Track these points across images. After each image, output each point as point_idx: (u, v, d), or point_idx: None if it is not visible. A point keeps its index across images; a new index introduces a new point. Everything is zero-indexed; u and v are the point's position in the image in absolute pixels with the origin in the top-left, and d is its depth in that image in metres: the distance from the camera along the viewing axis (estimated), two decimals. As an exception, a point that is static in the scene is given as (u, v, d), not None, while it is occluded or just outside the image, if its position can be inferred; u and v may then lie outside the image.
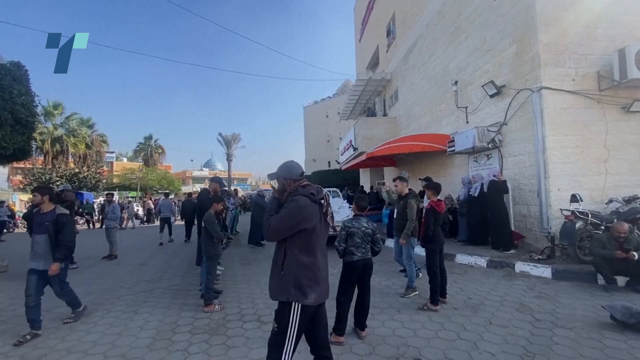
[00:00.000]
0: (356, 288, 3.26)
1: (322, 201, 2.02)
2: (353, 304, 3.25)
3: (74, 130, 28.43)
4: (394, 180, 4.89)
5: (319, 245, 2.02)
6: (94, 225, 16.70)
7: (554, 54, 5.78)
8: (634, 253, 4.12)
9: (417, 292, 4.30)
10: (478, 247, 6.62)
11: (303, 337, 2.09)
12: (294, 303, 1.91)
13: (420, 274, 5.00)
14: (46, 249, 3.44)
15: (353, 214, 3.44)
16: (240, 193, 18.46)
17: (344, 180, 22.38)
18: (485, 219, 6.60)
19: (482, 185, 6.69)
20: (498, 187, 6.13)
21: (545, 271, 4.96)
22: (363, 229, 3.18)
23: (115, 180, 35.88)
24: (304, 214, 1.93)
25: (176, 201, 18.96)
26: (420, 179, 6.54)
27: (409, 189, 4.78)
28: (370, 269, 3.24)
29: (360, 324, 3.19)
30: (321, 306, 2.08)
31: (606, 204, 5.61)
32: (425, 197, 6.02)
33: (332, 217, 2.13)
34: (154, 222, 18.31)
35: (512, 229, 6.25)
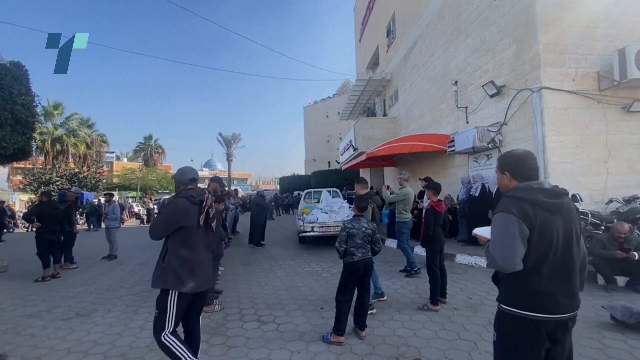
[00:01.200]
0: (357, 289, 3.26)
1: (202, 203, 2.31)
2: (353, 304, 3.25)
3: (74, 130, 28.42)
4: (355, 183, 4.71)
5: (198, 241, 2.31)
6: (94, 225, 16.69)
7: (554, 54, 5.78)
8: (634, 253, 4.13)
9: (385, 298, 4.05)
10: (478, 247, 6.62)
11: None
12: (171, 291, 2.20)
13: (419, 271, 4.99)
14: None
15: (353, 214, 3.42)
16: (240, 193, 18.49)
17: (344, 180, 22.37)
18: (486, 218, 6.59)
19: (483, 185, 6.69)
20: None
21: (545, 271, 4.95)
22: (363, 229, 3.18)
23: (115, 180, 35.85)
24: (179, 214, 2.25)
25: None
26: (420, 179, 6.55)
27: (368, 190, 4.54)
28: (370, 269, 3.24)
29: (360, 324, 3.19)
30: (200, 294, 2.37)
31: (606, 204, 5.61)
32: (425, 197, 6.02)
33: (214, 217, 2.39)
34: (154, 222, 18.33)
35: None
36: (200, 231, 2.31)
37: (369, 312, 3.41)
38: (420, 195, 6.66)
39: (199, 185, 2.58)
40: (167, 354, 2.17)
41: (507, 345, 1.59)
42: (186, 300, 2.26)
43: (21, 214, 19.08)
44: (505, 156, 1.73)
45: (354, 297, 3.23)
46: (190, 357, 2.19)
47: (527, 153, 1.66)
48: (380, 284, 4.13)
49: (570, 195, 5.22)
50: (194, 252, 2.28)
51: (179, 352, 2.16)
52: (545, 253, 1.49)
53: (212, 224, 2.39)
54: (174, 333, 2.22)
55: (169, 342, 2.16)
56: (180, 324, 2.34)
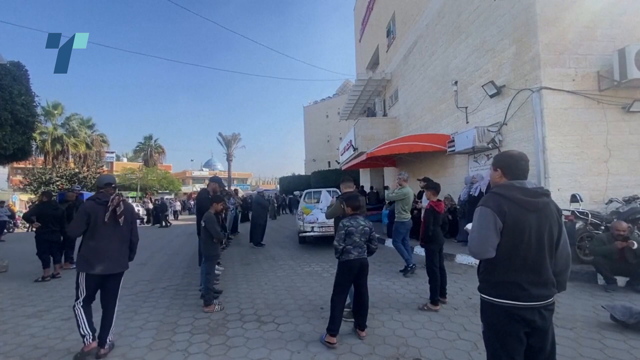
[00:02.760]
0: (355, 289, 3.24)
1: (107, 203, 2.96)
2: (352, 304, 3.24)
3: (74, 130, 28.40)
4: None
5: (106, 234, 2.94)
6: None
7: (554, 54, 5.78)
8: (633, 242, 4.15)
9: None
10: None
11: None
12: (80, 272, 2.91)
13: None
14: None
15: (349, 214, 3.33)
16: (240, 193, 18.47)
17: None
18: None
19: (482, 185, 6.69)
20: None
21: (545, 271, 4.95)
22: (361, 227, 3.17)
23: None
24: (86, 213, 2.92)
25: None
26: (418, 180, 6.54)
27: (350, 191, 4.38)
28: (366, 269, 3.23)
29: (360, 324, 3.19)
30: (112, 277, 3.00)
31: (606, 204, 5.61)
32: (424, 197, 6.00)
33: (122, 213, 2.99)
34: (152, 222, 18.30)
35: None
36: (108, 225, 2.95)
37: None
38: (419, 195, 6.65)
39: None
40: (75, 318, 2.89)
41: (489, 333, 1.73)
42: (93, 280, 2.92)
43: (21, 214, 19.06)
44: (501, 154, 1.87)
45: (355, 298, 3.22)
46: (85, 327, 2.88)
47: (521, 155, 1.77)
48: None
49: (570, 195, 5.22)
50: (100, 242, 2.91)
51: (79, 320, 2.88)
52: (516, 245, 1.63)
53: (120, 220, 2.99)
54: (85, 306, 2.90)
55: (76, 310, 2.88)
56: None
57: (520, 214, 1.63)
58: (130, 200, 24.53)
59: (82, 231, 2.92)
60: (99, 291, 3.03)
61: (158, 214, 17.09)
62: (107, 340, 2.96)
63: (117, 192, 3.18)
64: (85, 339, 2.88)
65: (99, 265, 2.87)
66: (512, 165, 1.74)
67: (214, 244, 4.18)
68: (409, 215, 5.63)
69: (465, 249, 6.52)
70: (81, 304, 2.88)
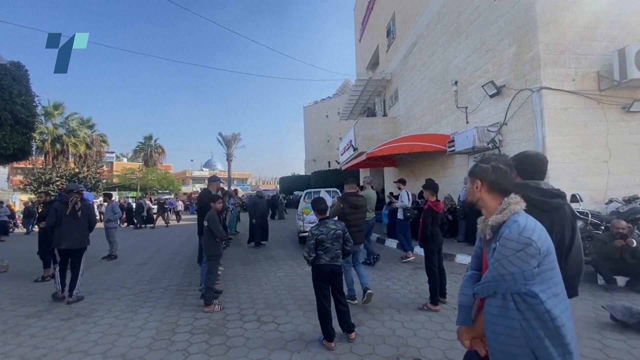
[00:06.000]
0: (332, 295, 3.16)
1: (68, 202, 4.49)
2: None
3: (74, 130, 28.39)
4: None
5: (66, 223, 4.44)
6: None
7: (554, 54, 5.78)
8: (632, 240, 4.19)
9: (356, 301, 3.94)
10: (478, 247, 6.62)
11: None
12: (54, 248, 4.52)
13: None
14: None
15: (318, 219, 3.27)
16: (240, 193, 18.47)
17: (344, 180, 22.32)
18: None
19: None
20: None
21: (545, 271, 4.95)
22: (332, 232, 3.09)
23: (115, 180, 35.81)
24: (55, 210, 4.48)
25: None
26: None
27: (352, 191, 4.55)
28: (338, 276, 3.14)
29: (345, 328, 3.12)
30: (73, 251, 4.51)
31: (606, 204, 5.61)
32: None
33: (80, 208, 4.52)
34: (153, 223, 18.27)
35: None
36: (69, 217, 4.44)
37: (353, 302, 3.45)
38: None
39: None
40: (53, 277, 4.71)
41: None
42: (62, 253, 4.52)
43: (21, 214, 19.04)
44: (517, 154, 1.87)
45: (334, 304, 3.15)
46: (59, 284, 4.52)
47: (538, 155, 1.77)
48: (353, 286, 4.06)
49: (570, 195, 5.23)
50: (64, 228, 4.42)
51: (56, 279, 4.57)
52: None
53: (78, 213, 4.49)
54: (61, 272, 4.54)
55: (55, 272, 4.59)
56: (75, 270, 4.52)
57: (531, 213, 1.61)
58: (130, 201, 24.60)
59: (55, 221, 4.41)
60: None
61: (132, 216, 16.55)
62: (74, 293, 4.40)
63: (78, 195, 4.55)
64: (57, 291, 4.50)
65: (64, 242, 4.43)
66: (526, 165, 1.74)
67: (217, 243, 4.18)
68: (372, 215, 6.17)
69: (466, 249, 6.53)
70: (58, 269, 4.55)
